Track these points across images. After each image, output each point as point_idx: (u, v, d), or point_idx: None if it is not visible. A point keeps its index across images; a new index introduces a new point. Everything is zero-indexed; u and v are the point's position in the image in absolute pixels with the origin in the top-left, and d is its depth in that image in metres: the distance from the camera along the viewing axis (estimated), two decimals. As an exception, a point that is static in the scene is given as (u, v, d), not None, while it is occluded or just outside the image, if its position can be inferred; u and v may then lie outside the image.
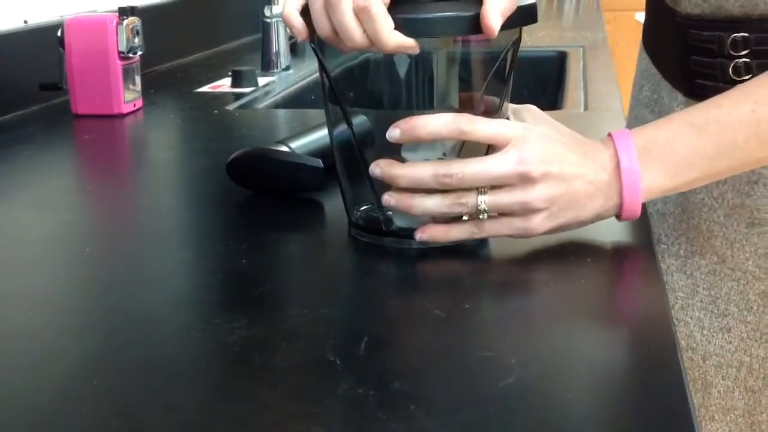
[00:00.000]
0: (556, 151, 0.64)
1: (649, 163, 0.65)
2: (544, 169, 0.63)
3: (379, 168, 0.65)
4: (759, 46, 0.77)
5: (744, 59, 0.78)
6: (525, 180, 0.63)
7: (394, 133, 0.64)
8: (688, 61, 0.82)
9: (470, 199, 0.64)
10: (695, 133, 0.66)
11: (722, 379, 0.87)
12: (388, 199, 0.66)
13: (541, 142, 0.64)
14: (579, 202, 0.65)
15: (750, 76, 0.77)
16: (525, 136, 0.64)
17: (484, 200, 0.64)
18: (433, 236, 0.66)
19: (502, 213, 0.65)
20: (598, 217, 0.67)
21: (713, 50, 0.79)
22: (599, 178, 0.65)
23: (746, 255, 0.83)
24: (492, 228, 0.65)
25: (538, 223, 0.65)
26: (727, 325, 0.86)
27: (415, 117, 0.64)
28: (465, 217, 0.66)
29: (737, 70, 0.78)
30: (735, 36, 0.77)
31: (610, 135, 0.67)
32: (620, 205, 0.66)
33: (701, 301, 0.87)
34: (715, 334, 0.87)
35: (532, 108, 0.71)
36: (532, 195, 0.64)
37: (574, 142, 0.67)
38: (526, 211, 0.64)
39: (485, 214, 0.64)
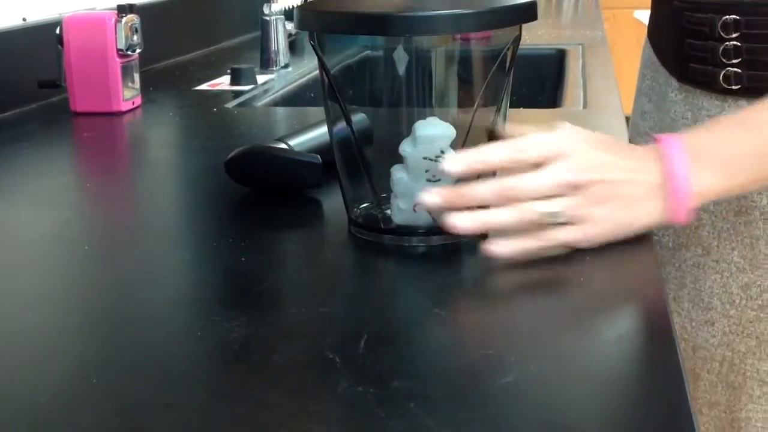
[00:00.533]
0: (602, 157, 0.64)
1: (700, 165, 0.65)
2: (590, 176, 0.63)
3: (438, 197, 0.64)
4: (749, 29, 0.78)
5: (734, 42, 0.79)
6: (573, 189, 0.63)
7: (454, 168, 0.63)
8: (683, 44, 0.83)
9: (537, 206, 0.63)
10: (745, 134, 0.66)
11: (707, 373, 0.87)
12: (462, 221, 0.64)
13: (587, 150, 0.64)
14: (629, 206, 0.64)
15: (739, 59, 0.78)
16: (572, 147, 0.64)
17: (550, 205, 0.63)
18: (505, 250, 0.64)
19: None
20: (652, 220, 0.66)
21: (705, 32, 0.81)
22: (649, 181, 0.64)
23: (732, 245, 0.83)
24: (554, 236, 0.64)
25: (592, 229, 0.64)
26: (711, 318, 0.86)
27: (471, 154, 0.64)
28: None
29: (726, 53, 0.79)
30: (726, 18, 0.79)
31: (658, 139, 0.66)
32: (670, 209, 0.65)
33: (689, 293, 0.88)
34: (701, 327, 0.87)
35: (568, 125, 0.71)
36: (580, 202, 0.63)
37: (620, 148, 0.66)
38: (577, 219, 0.64)
39: (556, 218, 0.64)
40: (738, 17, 0.78)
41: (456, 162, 0.63)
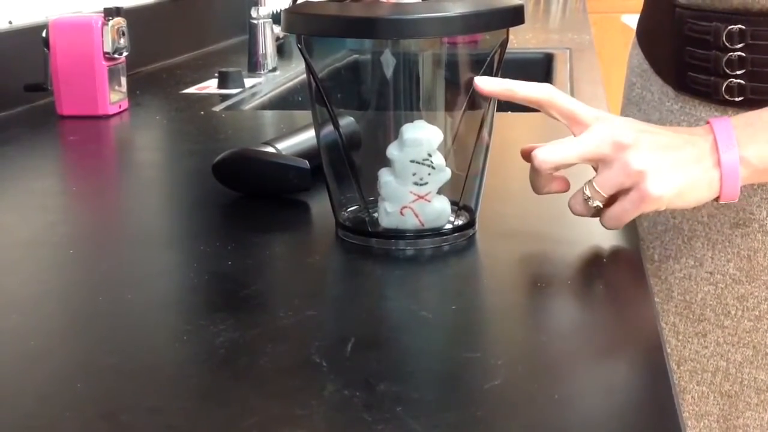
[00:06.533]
0: (646, 126, 0.67)
1: (754, 136, 0.66)
2: (636, 135, 0.65)
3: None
4: (755, 40, 0.77)
5: (738, 53, 0.77)
6: (619, 148, 0.64)
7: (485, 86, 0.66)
8: (683, 53, 0.82)
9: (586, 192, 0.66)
10: None
11: (697, 385, 0.87)
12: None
13: (626, 120, 0.67)
14: (685, 162, 0.65)
15: (743, 71, 0.77)
16: (608, 116, 0.67)
17: (591, 186, 0.66)
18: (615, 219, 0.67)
19: (614, 198, 0.66)
20: (707, 185, 0.66)
21: (708, 41, 0.79)
22: (700, 146, 0.66)
23: (728, 257, 0.83)
24: (613, 212, 0.66)
25: (652, 185, 0.64)
26: (702, 330, 0.86)
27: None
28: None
29: (730, 64, 0.78)
30: (731, 28, 0.77)
31: (707, 121, 0.68)
32: (720, 178, 0.66)
33: (676, 306, 0.87)
34: (690, 340, 0.86)
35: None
36: (630, 157, 0.64)
37: (666, 128, 0.68)
38: (631, 177, 0.64)
39: (595, 202, 0.66)
40: (744, 27, 0.76)
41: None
